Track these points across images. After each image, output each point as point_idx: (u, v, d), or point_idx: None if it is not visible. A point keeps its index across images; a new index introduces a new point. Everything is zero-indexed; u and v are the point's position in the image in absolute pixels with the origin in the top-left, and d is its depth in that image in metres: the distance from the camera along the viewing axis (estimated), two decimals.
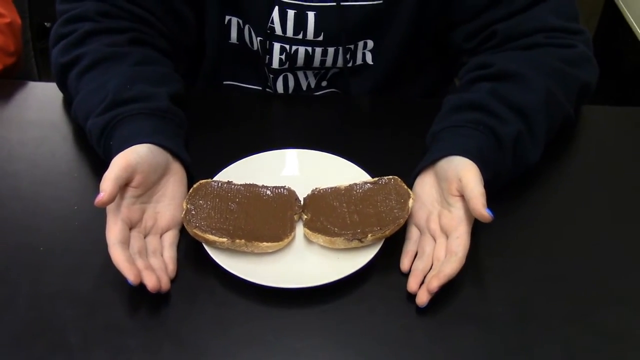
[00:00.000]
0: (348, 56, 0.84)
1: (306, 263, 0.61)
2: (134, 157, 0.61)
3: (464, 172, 0.61)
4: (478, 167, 0.61)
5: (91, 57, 0.72)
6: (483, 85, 0.71)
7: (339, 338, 0.56)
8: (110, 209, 0.58)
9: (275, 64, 0.84)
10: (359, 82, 0.88)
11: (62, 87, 0.77)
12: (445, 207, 0.62)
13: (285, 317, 0.57)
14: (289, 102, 0.89)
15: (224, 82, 0.91)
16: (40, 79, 1.16)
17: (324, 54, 0.83)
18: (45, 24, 1.62)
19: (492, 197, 0.59)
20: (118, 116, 0.65)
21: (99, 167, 0.63)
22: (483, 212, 0.57)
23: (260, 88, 0.90)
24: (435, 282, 0.56)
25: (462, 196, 0.60)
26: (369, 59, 0.86)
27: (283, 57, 0.84)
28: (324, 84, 0.90)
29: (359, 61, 0.86)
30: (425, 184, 0.65)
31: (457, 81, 0.83)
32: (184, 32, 0.83)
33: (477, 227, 0.62)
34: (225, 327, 0.56)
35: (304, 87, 0.90)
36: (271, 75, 0.87)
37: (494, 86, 0.70)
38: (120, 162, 0.60)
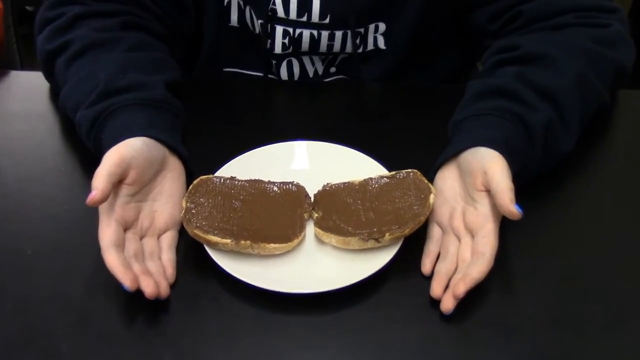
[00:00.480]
0: (358, 41, 0.84)
1: (317, 266, 0.61)
2: (127, 151, 0.61)
3: (489, 165, 0.60)
4: (505, 159, 0.61)
5: (80, 43, 0.71)
6: (509, 69, 0.71)
7: (354, 348, 0.55)
8: (103, 208, 0.58)
9: (278, 49, 0.84)
10: (370, 68, 0.87)
11: (49, 76, 0.77)
12: (470, 203, 0.62)
13: (294, 325, 0.57)
14: (295, 89, 0.89)
15: (224, 69, 0.91)
16: (22, 68, 1.16)
17: (331, 38, 0.83)
18: (27, 7, 1.61)
19: (521, 191, 0.59)
20: (110, 107, 0.65)
21: (90, 162, 0.62)
22: (511, 208, 0.57)
23: (263, 74, 0.90)
24: (461, 287, 0.55)
25: (488, 191, 0.60)
26: (381, 43, 0.86)
27: (286, 41, 0.83)
28: (332, 70, 0.90)
29: (370, 46, 0.86)
30: (448, 178, 0.65)
31: (481, 66, 0.82)
32: (181, 15, 0.82)
33: (504, 225, 0.61)
34: (230, 336, 0.56)
35: (311, 74, 0.89)
36: (274, 61, 0.87)
37: (520, 70, 0.70)
38: (113, 157, 0.59)
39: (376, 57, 0.87)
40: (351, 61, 0.87)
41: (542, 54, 0.71)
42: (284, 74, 0.89)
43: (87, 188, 0.57)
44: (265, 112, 0.84)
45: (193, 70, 0.91)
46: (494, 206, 0.59)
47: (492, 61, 0.74)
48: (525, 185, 0.62)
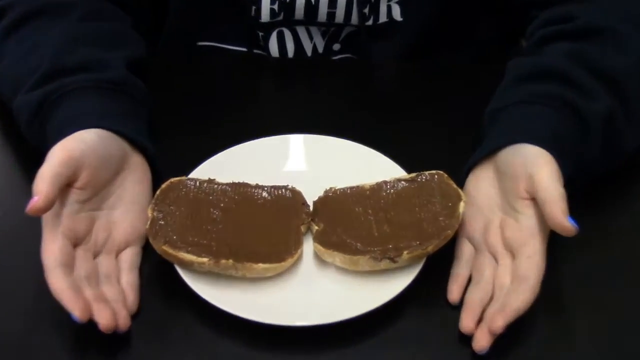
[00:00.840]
0: (367, 10, 0.84)
1: (318, 292, 0.61)
2: (78, 146, 0.60)
3: (536, 167, 0.60)
4: (555, 158, 0.61)
5: (20, 10, 0.71)
6: (561, 46, 0.71)
7: None
8: (47, 218, 0.58)
9: (265, 17, 0.84)
10: (383, 45, 0.87)
11: None
12: (510, 214, 0.62)
13: None
14: (289, 70, 0.89)
15: (199, 43, 0.91)
16: None
17: (332, 4, 0.83)
18: None
19: (575, 200, 0.58)
20: (57, 91, 0.65)
21: (32, 160, 0.61)
22: (564, 221, 0.56)
23: (246, 49, 0.89)
24: (500, 320, 0.54)
25: (534, 199, 0.60)
26: (396, 14, 0.86)
27: (275, 7, 0.83)
28: (336, 46, 0.90)
29: (382, 18, 0.86)
30: (482, 181, 0.65)
31: (525, 42, 0.82)
32: None
33: (554, 242, 0.60)
34: None
35: (309, 51, 0.89)
36: (261, 33, 0.87)
37: (575, 47, 0.70)
38: (60, 155, 0.59)
39: (391, 31, 0.87)
40: (359, 36, 0.87)
41: (603, 27, 0.71)
42: (273, 49, 0.89)
43: (28, 194, 0.56)
44: (252, 97, 0.84)
45: (161, 45, 0.92)
46: (541, 218, 0.59)
47: (539, 35, 0.74)
48: (580, 192, 0.61)
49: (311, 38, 0.88)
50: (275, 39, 0.88)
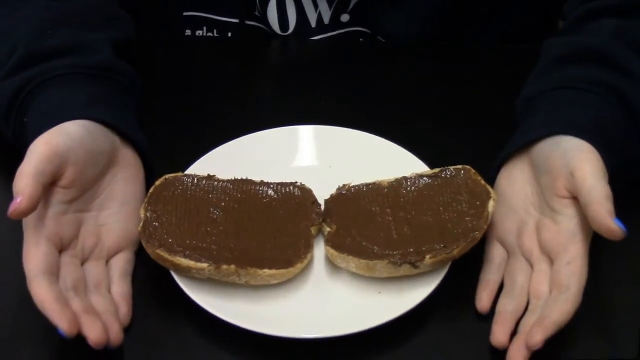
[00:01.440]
0: None
1: (330, 300, 0.61)
2: (62, 140, 0.60)
3: (577, 161, 0.59)
4: (599, 152, 0.60)
5: None
6: (605, 23, 0.70)
7: None
8: (29, 222, 0.58)
9: None
10: (400, 18, 0.87)
11: None
12: (548, 214, 0.62)
13: None
14: (292, 46, 0.88)
15: (185, 13, 0.91)
16: None
17: None
18: None
19: (623, 198, 0.58)
20: (36, 78, 0.65)
21: (11, 157, 0.61)
22: (609, 223, 0.56)
23: (238, 20, 0.89)
24: (539, 334, 0.54)
25: (575, 198, 0.60)
26: None
27: None
28: (344, 17, 0.89)
29: None
30: (516, 178, 0.65)
31: (562, 23, 0.81)
32: None
33: (597, 246, 0.60)
34: None
35: (313, 23, 0.89)
36: (257, 1, 0.87)
37: (622, 24, 0.69)
38: (43, 150, 0.59)
39: (408, 2, 0.86)
40: (371, 5, 0.87)
41: None
42: (273, 19, 0.89)
43: (8, 193, 0.56)
44: (252, 81, 0.84)
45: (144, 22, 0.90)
46: (583, 220, 0.59)
47: (580, 11, 0.73)
48: (627, 189, 0.61)
49: (316, 6, 0.88)
50: (274, 8, 0.87)
